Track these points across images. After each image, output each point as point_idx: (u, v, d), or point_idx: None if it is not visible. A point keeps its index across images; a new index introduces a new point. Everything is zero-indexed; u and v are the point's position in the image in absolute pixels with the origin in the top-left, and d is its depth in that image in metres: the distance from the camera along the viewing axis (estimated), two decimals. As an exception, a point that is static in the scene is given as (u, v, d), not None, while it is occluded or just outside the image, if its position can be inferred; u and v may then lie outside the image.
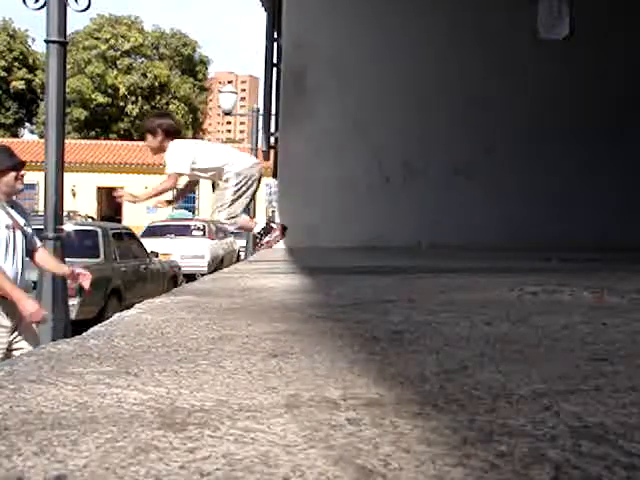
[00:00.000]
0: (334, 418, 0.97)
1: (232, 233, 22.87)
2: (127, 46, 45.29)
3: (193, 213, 28.76)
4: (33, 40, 48.82)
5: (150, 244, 12.03)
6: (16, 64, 46.25)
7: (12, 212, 3.96)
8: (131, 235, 10.80)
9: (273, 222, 5.65)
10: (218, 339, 1.65)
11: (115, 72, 44.99)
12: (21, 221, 4.00)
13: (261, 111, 11.69)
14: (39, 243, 4.35)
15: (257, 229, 4.83)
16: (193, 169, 4.54)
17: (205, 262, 16.40)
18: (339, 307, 2.32)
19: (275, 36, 9.69)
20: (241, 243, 20.52)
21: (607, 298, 2.58)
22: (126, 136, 43.32)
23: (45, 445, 0.85)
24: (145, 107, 45.74)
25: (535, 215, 8.22)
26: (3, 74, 45.66)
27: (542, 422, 0.96)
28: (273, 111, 9.87)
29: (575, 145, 8.26)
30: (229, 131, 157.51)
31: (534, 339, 1.68)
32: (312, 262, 5.38)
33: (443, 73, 8.20)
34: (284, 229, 4.90)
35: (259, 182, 4.70)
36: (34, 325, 4.02)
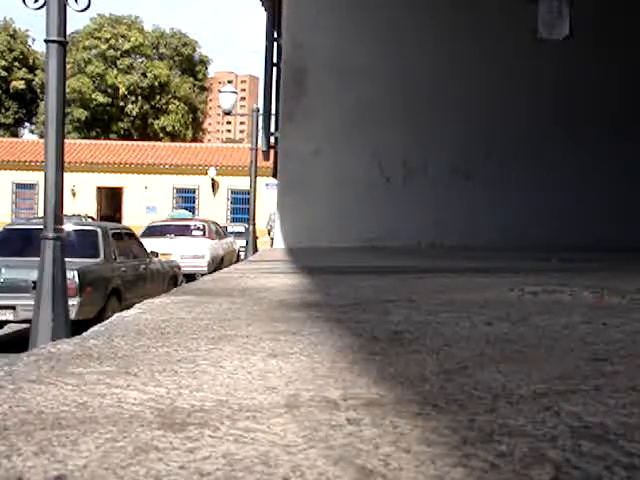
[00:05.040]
0: (334, 418, 0.97)
1: (232, 233, 22.93)
2: (127, 46, 45.29)
3: (193, 213, 28.75)
4: (33, 40, 48.88)
5: (150, 244, 12.01)
6: (16, 64, 46.27)
7: None
8: (131, 235, 10.79)
9: None
10: (218, 339, 1.65)
11: (115, 72, 45.00)
12: None
13: (261, 111, 11.68)
14: None
15: None
16: None
17: (205, 262, 16.39)
18: (339, 307, 2.32)
19: (275, 36, 9.69)
20: (241, 243, 20.52)
21: (607, 298, 2.58)
22: (126, 136, 43.32)
23: (45, 445, 0.85)
24: (145, 107, 45.77)
25: (535, 215, 8.22)
26: (3, 74, 45.68)
27: (542, 422, 0.96)
28: (273, 111, 9.87)
29: (574, 145, 8.26)
30: (229, 131, 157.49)
31: (534, 339, 1.68)
32: (312, 262, 5.37)
33: (443, 73, 8.21)
34: None
35: None
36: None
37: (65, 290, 5.83)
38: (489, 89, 8.22)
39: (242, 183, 28.33)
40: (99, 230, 9.35)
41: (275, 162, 9.54)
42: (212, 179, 32.40)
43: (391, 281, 3.64)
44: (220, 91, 19.42)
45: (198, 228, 18.25)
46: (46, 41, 5.71)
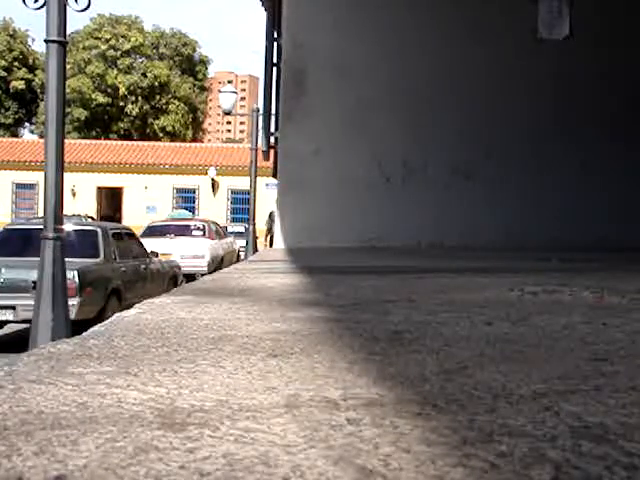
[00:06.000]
0: (334, 418, 0.97)
1: (232, 233, 22.93)
2: (127, 46, 45.29)
3: (193, 213, 28.74)
4: (33, 40, 48.86)
5: (150, 244, 12.01)
6: (16, 64, 46.25)
7: None
8: (131, 235, 10.79)
9: None
10: (218, 339, 1.65)
11: (115, 72, 44.99)
12: None
13: (261, 111, 11.69)
14: None
15: None
16: None
17: (205, 262, 16.39)
18: (339, 307, 2.32)
19: (275, 36, 9.69)
20: (241, 243, 20.52)
21: (607, 298, 2.58)
22: (126, 136, 43.32)
23: (45, 445, 0.85)
24: (145, 107, 45.76)
25: (535, 215, 8.22)
26: (3, 74, 45.66)
27: (542, 422, 0.96)
28: (273, 111, 9.87)
29: (574, 145, 8.26)
30: (229, 131, 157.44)
31: (534, 339, 1.68)
32: (312, 262, 5.37)
33: (443, 73, 8.21)
34: None
35: None
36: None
37: (65, 290, 5.83)
38: (489, 89, 8.22)
39: (242, 183, 28.34)
40: (99, 230, 9.35)
41: (275, 162, 9.54)
42: (212, 179, 32.40)
43: (391, 281, 3.63)
44: (220, 91, 19.41)
45: (198, 228, 18.25)
46: (46, 41, 5.71)
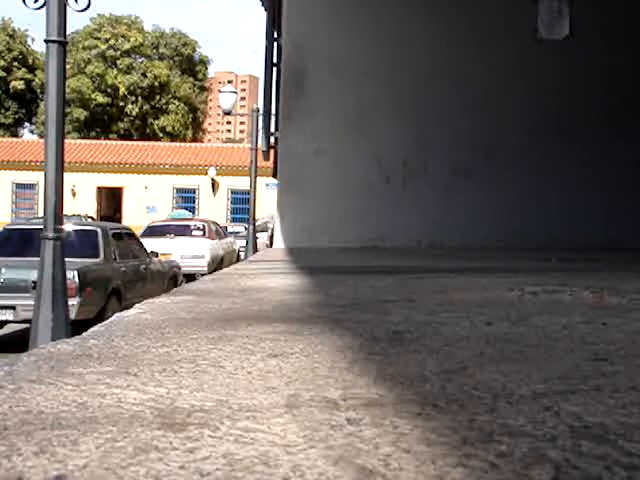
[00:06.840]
0: (334, 418, 0.97)
1: (232, 233, 22.94)
2: (127, 46, 45.29)
3: (193, 213, 28.74)
4: (32, 40, 48.86)
5: (150, 244, 12.01)
6: (16, 64, 46.25)
7: None
8: (131, 235, 10.79)
9: None
10: (218, 339, 1.65)
11: (115, 72, 45.00)
12: None
13: (261, 111, 11.69)
14: None
15: None
16: None
17: (205, 262, 16.39)
18: (339, 307, 2.32)
19: (275, 36, 9.70)
20: (241, 243, 20.51)
21: (607, 298, 2.58)
22: (126, 136, 43.32)
23: (45, 445, 0.85)
24: (145, 107, 45.76)
25: (535, 215, 8.23)
26: (3, 74, 45.65)
27: (542, 422, 0.96)
28: (273, 111, 9.87)
29: (574, 145, 8.26)
30: (229, 131, 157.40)
31: (534, 339, 1.68)
32: (312, 262, 5.37)
33: (443, 73, 8.21)
34: None
35: None
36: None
37: (65, 290, 5.82)
38: (489, 89, 8.22)
39: (242, 183, 28.34)
40: (99, 230, 9.35)
41: (275, 162, 9.54)
42: (212, 179, 32.40)
43: (391, 281, 3.63)
44: (220, 91, 19.39)
45: (198, 228, 18.24)
46: (46, 41, 5.71)
